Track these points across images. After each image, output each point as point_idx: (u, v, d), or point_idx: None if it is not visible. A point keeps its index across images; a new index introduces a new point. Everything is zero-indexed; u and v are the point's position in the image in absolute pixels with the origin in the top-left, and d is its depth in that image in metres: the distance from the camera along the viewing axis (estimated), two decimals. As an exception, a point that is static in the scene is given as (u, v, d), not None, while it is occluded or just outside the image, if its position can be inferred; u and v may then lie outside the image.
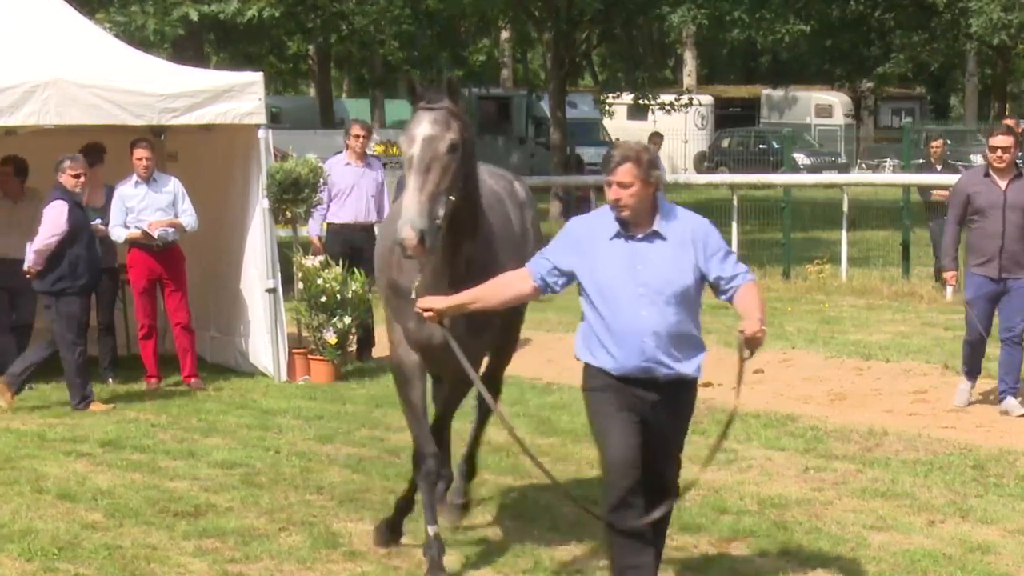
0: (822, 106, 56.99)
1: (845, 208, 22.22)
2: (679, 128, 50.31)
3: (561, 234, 7.48)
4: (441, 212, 7.50)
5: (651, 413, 7.25)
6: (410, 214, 7.38)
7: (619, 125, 49.25)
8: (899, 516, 9.32)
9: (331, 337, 14.76)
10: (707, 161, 50.34)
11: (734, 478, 10.35)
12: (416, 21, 37.63)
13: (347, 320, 14.86)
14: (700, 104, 51.35)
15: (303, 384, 14.65)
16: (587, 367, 7.36)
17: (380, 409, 13.21)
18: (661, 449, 7.35)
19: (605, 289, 7.21)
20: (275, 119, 31.54)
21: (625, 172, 7.15)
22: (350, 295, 14.90)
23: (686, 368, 7.26)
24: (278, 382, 14.72)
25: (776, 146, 46.08)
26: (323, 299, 14.80)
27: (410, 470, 8.76)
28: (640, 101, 38.88)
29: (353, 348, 15.74)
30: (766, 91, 59.52)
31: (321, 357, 14.86)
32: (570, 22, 35.55)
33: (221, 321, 15.93)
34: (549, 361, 15.21)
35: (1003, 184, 12.43)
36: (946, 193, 21.10)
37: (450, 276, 7.88)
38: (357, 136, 16.47)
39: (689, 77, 56.77)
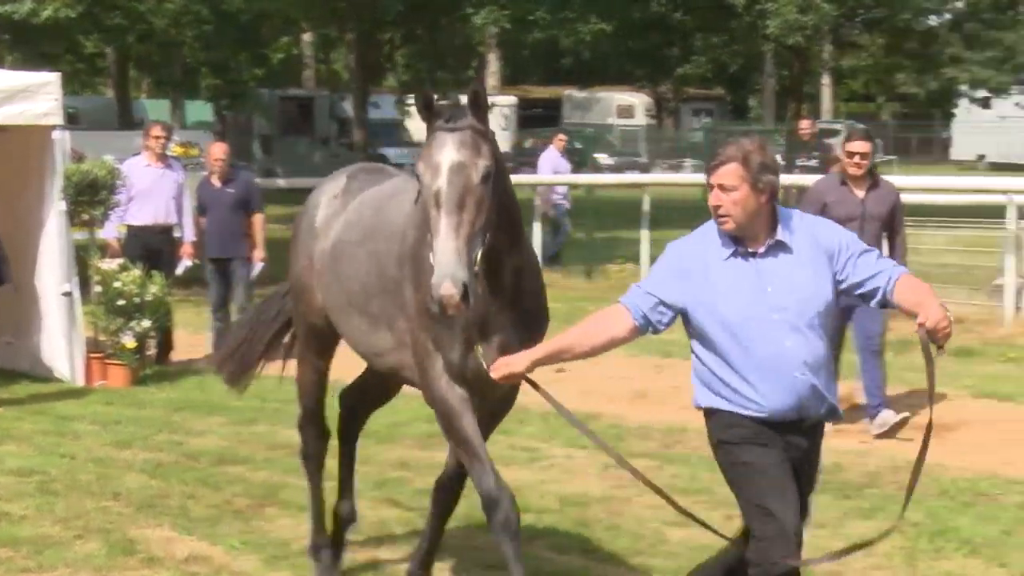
0: (624, 107, 57.55)
1: (646, 208, 22.42)
2: (482, 129, 50.51)
3: (662, 260, 6.24)
4: (478, 256, 6.27)
5: (798, 462, 6.15)
6: (447, 266, 6.09)
7: (423, 126, 49.28)
8: (697, 511, 9.39)
9: (129, 341, 14.50)
10: (510, 162, 50.59)
11: (536, 476, 10.38)
12: (216, 22, 37.25)
13: (145, 324, 14.62)
14: (503, 105, 51.64)
15: (100, 389, 14.34)
16: (716, 416, 6.11)
17: (179, 413, 13.02)
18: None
19: (732, 321, 5.97)
20: (72, 120, 30.91)
21: (728, 174, 5.95)
22: (149, 298, 14.66)
23: (835, 403, 6.18)
24: (75, 387, 14.39)
25: (578, 146, 46.53)
26: (121, 302, 14.54)
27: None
28: (442, 102, 38.89)
29: (152, 352, 15.52)
30: (568, 92, 59.97)
31: (119, 361, 14.59)
32: (373, 23, 35.46)
33: (16, 326, 15.57)
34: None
35: (861, 194, 11.87)
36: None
37: (500, 296, 6.74)
38: (157, 137, 16.26)
39: (492, 78, 56.98)
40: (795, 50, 43.90)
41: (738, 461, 6.07)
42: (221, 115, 50.96)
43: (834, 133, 32.01)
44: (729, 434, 6.07)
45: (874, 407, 11.97)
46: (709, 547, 8.56)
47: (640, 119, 56.73)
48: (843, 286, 6.09)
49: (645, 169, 45.52)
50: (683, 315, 6.12)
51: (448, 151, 6.34)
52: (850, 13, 42.90)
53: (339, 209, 7.87)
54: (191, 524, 9.32)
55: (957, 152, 60.52)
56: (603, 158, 45.43)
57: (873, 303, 6.17)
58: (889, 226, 11.93)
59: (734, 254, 6.02)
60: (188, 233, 16.22)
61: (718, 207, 5.97)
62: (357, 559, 8.57)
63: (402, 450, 11.20)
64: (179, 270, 16.21)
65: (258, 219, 16.05)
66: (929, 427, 6.09)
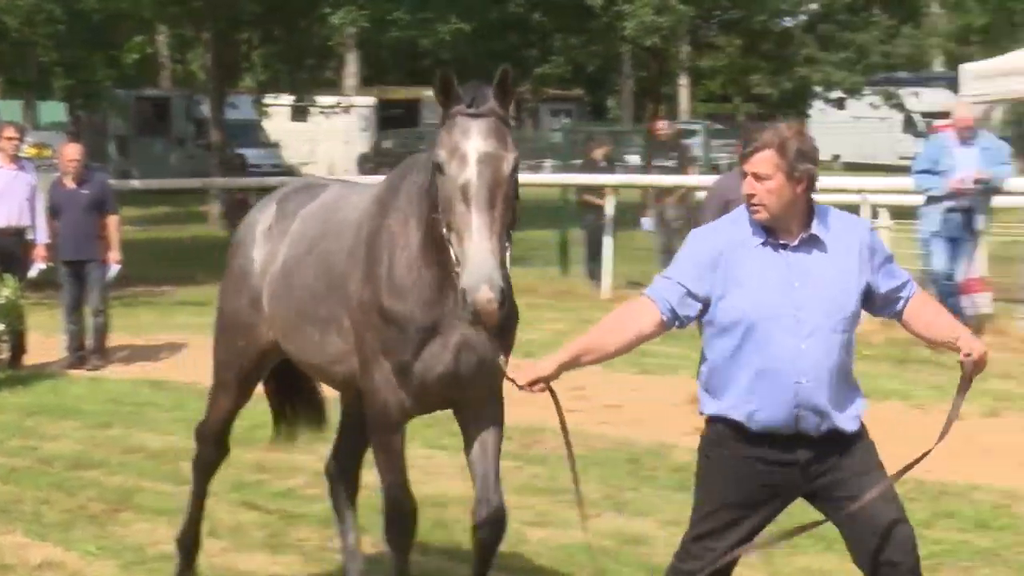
0: (483, 108, 57.51)
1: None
2: (341, 130, 50.29)
3: (689, 248, 5.81)
4: (507, 257, 5.88)
5: (801, 478, 5.73)
6: (485, 268, 5.64)
7: (281, 127, 48.98)
8: (557, 511, 9.43)
9: (-20, 345, 14.29)
10: (369, 162, 50.38)
11: (396, 478, 10.32)
12: (69, 21, 36.69)
13: (-2, 327, 14.42)
14: (362, 106, 51.44)
15: (-48, 394, 14.08)
16: (709, 423, 5.82)
17: (33, 418, 12.82)
18: (850, 500, 5.69)
19: (753, 315, 5.59)
20: (-78, 120, 30.34)
21: (763, 161, 5.60)
22: (1, 301, 14.44)
23: (844, 421, 5.70)
24: (-75, 393, 14.12)
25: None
26: (-28, 306, 14.31)
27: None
28: (300, 103, 38.71)
29: (4, 356, 15.27)
30: (428, 92, 59.88)
31: (-30, 366, 14.36)
32: (230, 23, 35.14)
33: None
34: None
35: None
36: (596, 199, 21.67)
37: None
38: (9, 138, 16.02)
39: (351, 79, 56.72)
40: (652, 51, 44.20)
41: (706, 475, 5.83)
42: (75, 116, 50.23)
43: (692, 134, 32.21)
44: (709, 445, 5.80)
45: None
46: (570, 546, 8.61)
47: (500, 120, 56.71)
48: (877, 293, 5.74)
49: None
50: (704, 307, 5.71)
51: (476, 140, 5.88)
52: (706, 14, 43.28)
53: (280, 237, 7.44)
54: (44, 530, 9.18)
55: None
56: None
57: (883, 313, 5.87)
58: None
59: (766, 243, 5.65)
60: (41, 235, 15.98)
61: (752, 196, 5.61)
62: (215, 563, 8.47)
63: (260, 452, 11.10)
64: (32, 272, 15.95)
65: (113, 221, 15.84)
66: (925, 454, 5.81)
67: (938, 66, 56.07)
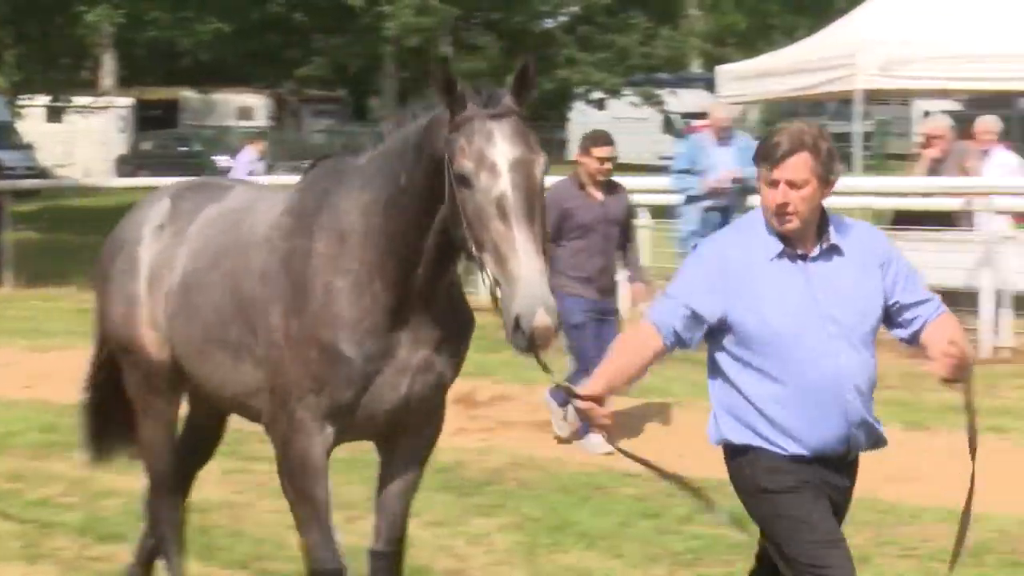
0: (244, 108, 57.03)
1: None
2: (99, 131, 49.36)
3: (695, 261, 5.42)
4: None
5: (836, 503, 5.42)
6: (538, 290, 5.07)
7: (36, 128, 47.87)
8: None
9: None
10: (128, 164, 49.53)
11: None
12: None
13: None
14: (121, 107, 50.56)
15: None
16: (751, 455, 5.31)
17: None
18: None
19: (782, 332, 5.19)
20: None
21: (799, 166, 5.16)
22: None
23: (882, 431, 5.44)
24: None
25: (198, 149, 45.86)
26: None
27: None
28: (56, 104, 37.87)
29: None
30: (186, 93, 59.07)
31: None
32: (-20, 21, 34.25)
33: None
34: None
35: (600, 198, 11.44)
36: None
37: (434, 311, 5.87)
38: None
39: (108, 79, 55.69)
40: (415, 52, 44.17)
41: (785, 514, 5.25)
42: None
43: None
44: (773, 481, 5.26)
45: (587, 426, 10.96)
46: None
47: (261, 121, 56.29)
48: (886, 304, 5.35)
49: (268, 171, 45.12)
50: (714, 327, 5.31)
51: (503, 145, 5.28)
52: (467, 15, 43.39)
53: (176, 238, 6.70)
54: None
55: (573, 153, 61.82)
56: (223, 160, 44.72)
57: (900, 334, 5.44)
58: (625, 231, 11.63)
59: (782, 254, 5.25)
60: None
61: (784, 205, 5.16)
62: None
63: (14, 461, 10.81)
64: None
65: None
66: (972, 479, 5.46)
67: (696, 67, 57.00)
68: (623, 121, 53.42)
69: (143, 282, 6.74)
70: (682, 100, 49.19)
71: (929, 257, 12.57)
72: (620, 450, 5.65)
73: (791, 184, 5.16)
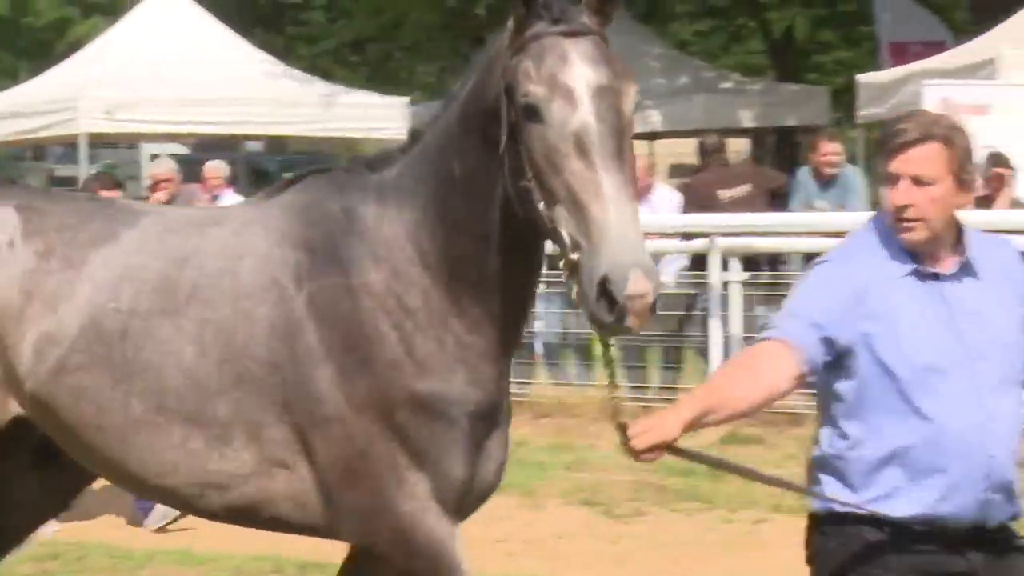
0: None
1: None
2: None
3: (821, 279, 4.37)
4: None
5: None
6: (632, 246, 4.00)
7: None
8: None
9: None
10: None
11: None
12: None
13: None
14: None
15: None
16: (848, 529, 4.27)
17: None
18: None
19: (920, 367, 4.19)
20: None
21: (928, 159, 4.21)
22: None
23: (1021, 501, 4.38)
24: None
25: None
26: None
27: None
28: None
29: None
30: None
31: None
32: None
33: None
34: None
35: None
36: None
37: (513, 332, 4.66)
38: None
39: None
40: None
41: None
42: None
43: None
44: (863, 556, 4.23)
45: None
46: None
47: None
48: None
49: None
50: (833, 361, 4.26)
51: (583, 68, 4.17)
52: None
53: (52, 263, 4.99)
54: None
55: None
56: None
57: None
58: None
59: (914, 272, 4.27)
60: None
61: (905, 208, 4.22)
62: None
63: None
64: None
65: None
66: None
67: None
68: None
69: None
70: None
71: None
72: (684, 451, 4.29)
73: (917, 181, 4.22)
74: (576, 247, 4.07)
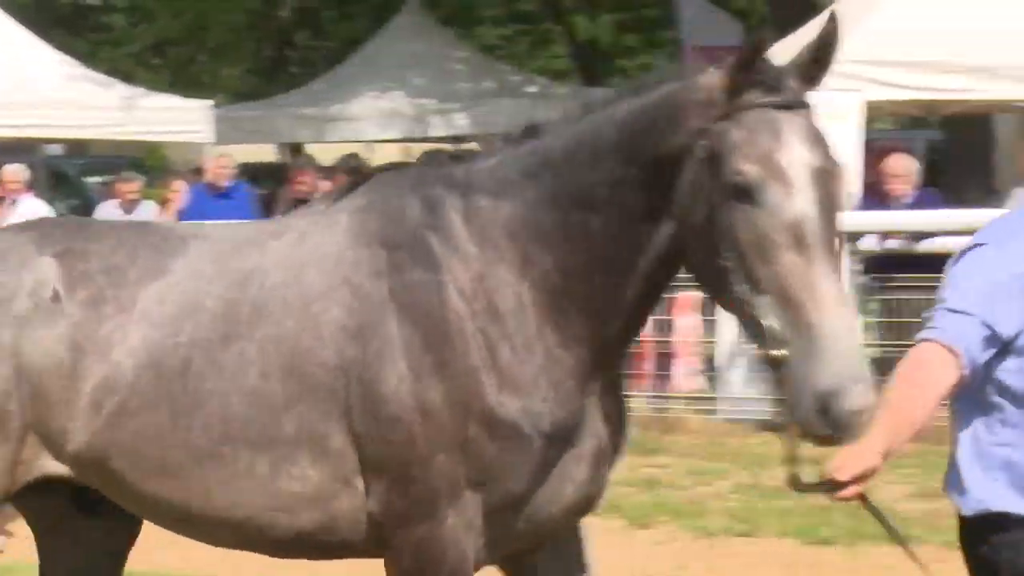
0: None
1: None
2: None
3: (982, 270, 4.05)
4: None
5: None
6: (853, 360, 3.78)
7: None
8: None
9: None
10: None
11: None
12: None
13: None
14: None
15: None
16: (1001, 528, 3.99)
17: None
18: None
19: None
20: None
21: None
22: None
23: None
24: None
25: None
26: None
27: None
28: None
29: None
30: None
31: None
32: None
33: None
34: None
35: None
36: None
37: (614, 354, 4.40)
38: None
39: None
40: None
41: None
42: None
43: None
44: None
45: None
46: None
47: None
48: None
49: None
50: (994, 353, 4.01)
51: (801, 148, 3.89)
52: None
53: (102, 309, 4.63)
54: None
55: None
56: None
57: None
58: None
59: None
60: None
61: None
62: None
63: None
64: None
65: None
66: None
67: None
68: None
69: (20, 385, 4.65)
70: None
71: None
72: (871, 508, 4.14)
73: None
74: (782, 343, 3.85)
